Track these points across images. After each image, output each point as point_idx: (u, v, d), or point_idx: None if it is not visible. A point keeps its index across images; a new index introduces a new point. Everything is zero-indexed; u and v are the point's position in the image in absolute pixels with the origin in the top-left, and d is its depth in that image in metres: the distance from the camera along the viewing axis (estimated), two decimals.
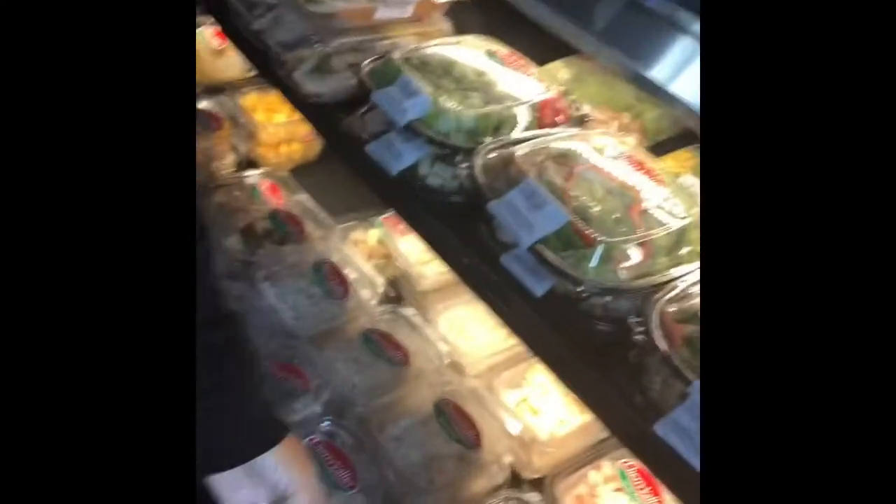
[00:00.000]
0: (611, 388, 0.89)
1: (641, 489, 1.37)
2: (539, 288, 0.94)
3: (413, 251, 1.61)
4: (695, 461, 0.77)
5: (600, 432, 1.39)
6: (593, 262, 0.87)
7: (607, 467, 1.41)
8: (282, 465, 0.90)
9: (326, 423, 1.33)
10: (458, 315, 1.57)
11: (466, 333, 1.54)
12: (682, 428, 0.78)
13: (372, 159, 1.12)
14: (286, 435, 0.92)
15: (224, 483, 0.88)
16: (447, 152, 1.08)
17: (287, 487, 0.91)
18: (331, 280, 1.54)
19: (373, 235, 1.73)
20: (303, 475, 0.93)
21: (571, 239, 0.88)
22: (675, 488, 0.86)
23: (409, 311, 1.54)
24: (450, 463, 1.26)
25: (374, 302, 1.56)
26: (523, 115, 1.13)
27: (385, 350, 1.43)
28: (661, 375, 0.83)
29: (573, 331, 0.93)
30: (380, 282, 1.59)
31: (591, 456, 1.42)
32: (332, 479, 1.20)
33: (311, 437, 1.26)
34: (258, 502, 0.90)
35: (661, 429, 0.79)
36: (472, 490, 1.31)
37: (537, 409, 1.43)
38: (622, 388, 0.87)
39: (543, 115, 1.16)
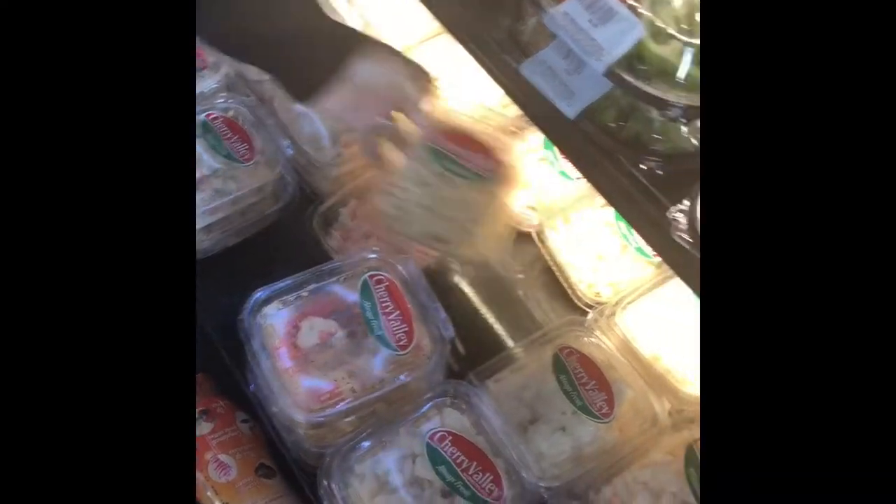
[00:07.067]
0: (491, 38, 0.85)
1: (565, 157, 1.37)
2: None
3: None
4: (557, 101, 0.75)
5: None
6: None
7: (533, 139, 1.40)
8: None
9: (222, 99, 1.29)
10: None
11: None
12: (547, 67, 0.75)
13: None
14: None
15: None
16: None
17: None
18: None
19: None
20: None
21: None
22: (549, 133, 0.86)
23: None
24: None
25: None
26: None
27: None
28: (533, 18, 0.79)
29: None
30: None
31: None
32: (229, 152, 1.18)
33: (209, 112, 1.22)
34: None
35: (526, 69, 0.76)
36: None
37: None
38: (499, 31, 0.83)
39: None
